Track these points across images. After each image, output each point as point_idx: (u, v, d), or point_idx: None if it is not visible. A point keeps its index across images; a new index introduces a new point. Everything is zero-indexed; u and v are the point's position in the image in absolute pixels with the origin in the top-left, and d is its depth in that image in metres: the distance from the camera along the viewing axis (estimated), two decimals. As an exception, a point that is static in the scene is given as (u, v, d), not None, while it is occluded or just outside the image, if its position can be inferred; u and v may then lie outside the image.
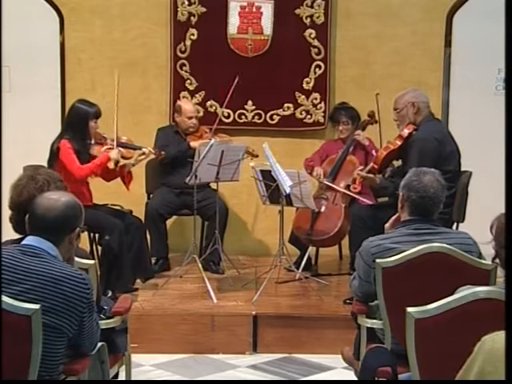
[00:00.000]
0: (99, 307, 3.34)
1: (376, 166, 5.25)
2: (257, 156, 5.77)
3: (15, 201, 3.08)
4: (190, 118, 6.04)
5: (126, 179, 5.42)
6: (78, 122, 5.24)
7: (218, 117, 6.19)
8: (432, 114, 5.27)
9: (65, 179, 5.02)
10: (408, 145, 5.09)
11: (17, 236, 3.07)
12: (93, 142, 5.33)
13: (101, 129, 5.39)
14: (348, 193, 5.67)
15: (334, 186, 5.78)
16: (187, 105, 6.16)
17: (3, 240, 3.13)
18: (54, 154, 5.17)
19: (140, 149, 5.45)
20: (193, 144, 5.89)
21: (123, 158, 5.37)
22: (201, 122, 6.25)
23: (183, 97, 6.54)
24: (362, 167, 5.52)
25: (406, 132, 5.14)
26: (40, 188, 3.05)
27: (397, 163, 5.51)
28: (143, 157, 5.45)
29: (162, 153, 5.67)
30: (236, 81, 5.86)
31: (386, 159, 5.23)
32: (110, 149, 5.30)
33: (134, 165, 5.43)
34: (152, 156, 5.63)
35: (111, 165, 5.27)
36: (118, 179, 5.45)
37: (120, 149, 5.32)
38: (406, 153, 5.09)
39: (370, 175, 5.28)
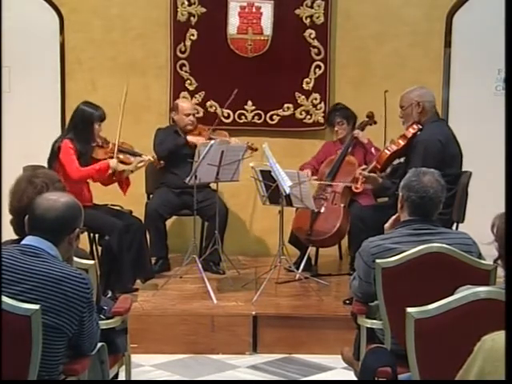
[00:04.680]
0: (99, 307, 3.33)
1: (379, 166, 5.22)
2: (256, 149, 5.77)
3: (16, 206, 3.05)
4: (188, 115, 6.05)
5: (124, 185, 5.43)
6: (83, 124, 5.24)
7: (217, 117, 6.21)
8: (437, 114, 5.25)
9: (64, 179, 5.03)
10: (412, 145, 5.06)
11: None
12: (95, 144, 5.34)
13: (101, 129, 5.39)
14: (348, 184, 5.66)
15: (333, 183, 5.79)
16: (184, 102, 6.20)
17: (3, 240, 3.13)
18: (55, 153, 5.17)
19: (140, 155, 5.47)
20: (190, 139, 5.90)
21: (123, 163, 5.38)
22: (201, 122, 6.26)
23: (183, 97, 6.55)
24: (364, 166, 5.50)
25: (410, 132, 5.09)
26: (39, 191, 3.03)
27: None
28: (142, 164, 5.48)
29: (161, 162, 5.71)
30: (234, 93, 5.89)
31: (389, 159, 5.20)
32: (111, 155, 5.31)
33: (132, 171, 5.44)
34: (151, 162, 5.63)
35: (109, 171, 5.30)
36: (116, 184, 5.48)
37: (120, 156, 5.35)
38: (410, 154, 5.07)
39: (373, 174, 5.26)
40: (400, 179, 4.98)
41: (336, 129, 6.10)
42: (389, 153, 5.16)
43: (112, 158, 5.32)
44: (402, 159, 5.25)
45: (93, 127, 5.24)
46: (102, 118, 5.28)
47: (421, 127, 5.09)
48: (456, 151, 5.09)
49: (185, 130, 6.06)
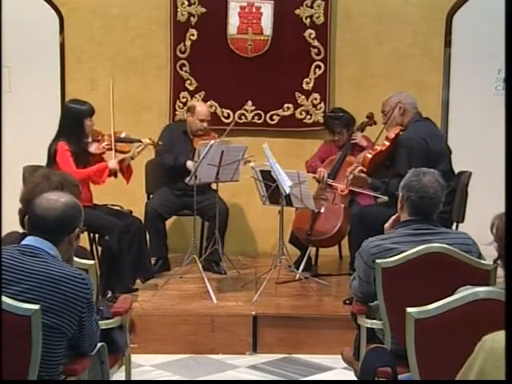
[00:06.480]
0: (96, 308, 3.32)
1: (364, 169, 5.24)
2: (249, 162, 5.68)
3: (27, 197, 3.09)
4: (202, 120, 5.98)
5: (126, 173, 5.41)
6: (73, 123, 5.20)
7: (231, 123, 6.09)
8: (420, 114, 5.28)
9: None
10: (396, 145, 5.11)
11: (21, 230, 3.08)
12: (90, 139, 5.32)
13: (100, 128, 5.38)
14: (351, 188, 5.65)
15: (336, 184, 5.78)
16: (201, 107, 6.08)
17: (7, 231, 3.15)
18: (52, 156, 5.14)
19: (137, 141, 5.45)
20: (189, 164, 5.81)
21: (121, 152, 5.37)
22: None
23: (183, 97, 6.55)
24: (353, 167, 5.46)
25: (392, 134, 5.17)
26: (54, 189, 3.04)
27: None
28: (141, 148, 5.42)
29: (160, 143, 5.65)
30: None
31: (373, 161, 5.21)
32: (108, 147, 5.30)
33: (132, 158, 5.41)
34: (150, 146, 5.59)
35: (109, 172, 5.26)
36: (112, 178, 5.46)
37: (117, 145, 5.33)
38: (395, 153, 5.11)
39: (362, 174, 5.26)
40: (390, 179, 5.05)
41: (336, 138, 6.09)
42: (371, 156, 5.20)
43: (110, 149, 5.29)
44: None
45: (83, 123, 5.21)
46: (91, 113, 5.23)
47: (403, 128, 5.14)
48: (441, 148, 5.12)
49: (194, 134, 6.01)
